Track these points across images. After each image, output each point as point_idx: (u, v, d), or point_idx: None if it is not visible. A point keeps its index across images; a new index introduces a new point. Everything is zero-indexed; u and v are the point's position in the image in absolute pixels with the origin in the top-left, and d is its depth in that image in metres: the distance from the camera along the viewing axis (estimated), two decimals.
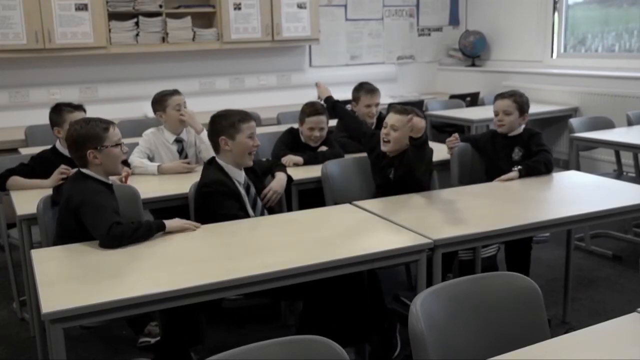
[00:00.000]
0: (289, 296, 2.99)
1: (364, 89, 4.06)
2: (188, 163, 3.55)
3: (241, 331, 3.29)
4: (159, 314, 2.77)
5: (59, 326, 1.83)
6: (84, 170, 2.51)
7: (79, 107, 3.45)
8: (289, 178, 3.16)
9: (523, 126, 3.45)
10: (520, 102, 3.40)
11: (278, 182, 3.08)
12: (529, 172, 3.20)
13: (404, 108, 3.05)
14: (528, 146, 3.35)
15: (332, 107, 3.72)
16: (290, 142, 3.72)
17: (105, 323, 2.66)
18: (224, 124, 2.80)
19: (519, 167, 3.20)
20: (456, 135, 3.50)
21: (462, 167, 3.53)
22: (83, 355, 3.09)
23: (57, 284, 2.00)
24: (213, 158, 2.86)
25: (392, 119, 3.03)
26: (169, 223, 2.44)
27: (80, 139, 2.47)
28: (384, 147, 3.08)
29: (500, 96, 3.47)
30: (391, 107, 3.13)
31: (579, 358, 1.50)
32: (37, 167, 3.22)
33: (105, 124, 2.53)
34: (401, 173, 3.01)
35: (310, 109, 3.66)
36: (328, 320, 2.57)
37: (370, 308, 2.75)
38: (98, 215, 2.32)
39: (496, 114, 3.45)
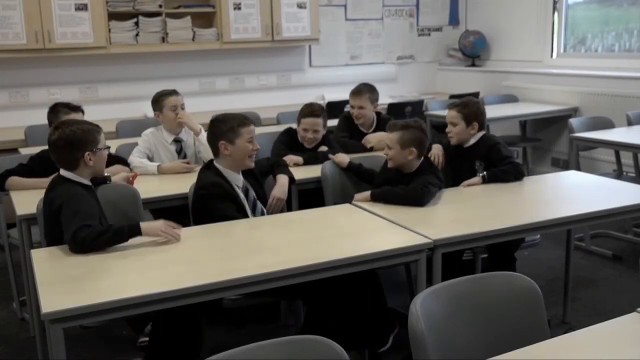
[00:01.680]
0: (290, 296, 2.99)
1: (351, 90, 4.06)
2: (187, 163, 3.54)
3: (241, 331, 3.30)
4: (153, 319, 2.75)
5: (58, 326, 1.83)
6: (64, 174, 2.48)
7: (77, 109, 3.43)
8: (291, 179, 3.15)
9: (479, 136, 3.28)
10: (466, 112, 3.24)
11: (280, 187, 3.05)
12: (494, 179, 3.11)
13: (395, 124, 3.00)
14: (489, 158, 3.21)
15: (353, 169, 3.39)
16: (289, 141, 3.72)
17: (105, 323, 2.66)
18: (223, 129, 2.78)
19: (484, 173, 3.12)
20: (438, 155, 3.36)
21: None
22: (83, 355, 3.09)
23: (56, 284, 2.00)
24: (211, 161, 2.85)
25: (386, 137, 3.02)
26: (147, 227, 2.31)
27: (77, 141, 2.45)
28: (389, 164, 3.03)
29: (449, 107, 3.37)
30: (388, 126, 3.06)
31: (579, 358, 1.50)
32: (37, 167, 3.22)
33: (97, 127, 2.53)
34: None
35: (307, 110, 3.66)
36: (331, 323, 2.56)
37: (372, 309, 2.74)
38: (70, 219, 2.29)
39: (447, 125, 3.35)
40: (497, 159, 3.18)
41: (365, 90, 4.00)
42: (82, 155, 2.45)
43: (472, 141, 3.28)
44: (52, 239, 2.44)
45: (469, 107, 3.28)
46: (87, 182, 2.52)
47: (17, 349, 3.22)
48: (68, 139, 2.45)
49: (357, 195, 2.93)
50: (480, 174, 3.12)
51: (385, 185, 2.95)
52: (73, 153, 2.46)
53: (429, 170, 2.98)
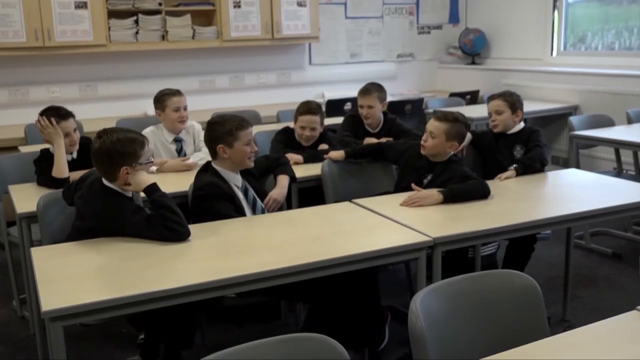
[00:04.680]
0: (290, 297, 2.98)
1: (360, 90, 4.05)
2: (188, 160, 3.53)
3: (241, 330, 3.29)
4: (143, 313, 2.75)
5: (58, 324, 1.83)
6: (106, 184, 2.44)
7: (66, 116, 3.30)
8: (292, 178, 3.13)
9: (522, 124, 3.48)
10: (511, 100, 3.44)
11: (279, 189, 3.02)
12: (525, 170, 3.22)
13: (444, 114, 3.03)
14: (528, 143, 3.38)
15: (353, 155, 3.45)
16: (286, 140, 3.71)
17: (105, 321, 2.66)
18: (221, 132, 2.75)
19: (515, 165, 3.21)
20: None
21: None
22: (83, 352, 3.09)
23: (56, 282, 2.00)
24: (209, 163, 2.84)
25: (430, 125, 3.02)
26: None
27: (115, 154, 2.38)
28: (422, 151, 3.05)
29: (491, 97, 3.54)
30: (434, 112, 3.12)
31: (579, 356, 1.51)
32: (46, 166, 3.19)
33: (141, 138, 2.46)
34: (438, 185, 2.90)
35: (303, 108, 3.65)
36: (332, 321, 2.56)
37: (368, 306, 2.74)
38: (145, 228, 2.33)
39: (490, 115, 3.51)
40: (532, 142, 3.35)
41: (374, 89, 3.99)
42: (119, 169, 2.39)
43: (515, 129, 3.44)
44: (84, 234, 2.41)
45: (513, 96, 3.48)
46: (128, 194, 2.48)
47: (17, 347, 3.22)
48: (107, 150, 2.38)
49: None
50: (512, 167, 3.21)
51: (414, 173, 3.04)
52: (111, 166, 2.40)
53: (458, 160, 3.08)
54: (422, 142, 3.04)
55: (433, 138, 2.98)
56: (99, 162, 2.43)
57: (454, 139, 2.98)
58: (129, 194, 2.50)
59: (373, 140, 3.88)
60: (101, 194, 2.43)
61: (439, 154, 3.02)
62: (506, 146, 3.45)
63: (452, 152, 3.05)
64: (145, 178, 2.42)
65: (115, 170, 2.39)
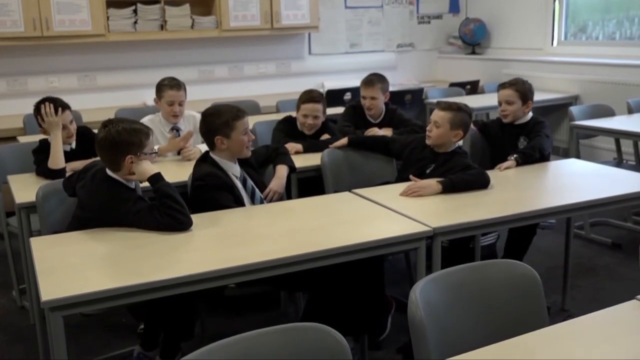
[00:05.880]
0: (290, 286, 2.98)
1: (362, 80, 4.04)
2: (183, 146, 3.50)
3: (241, 319, 3.30)
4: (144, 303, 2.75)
5: (58, 314, 1.83)
6: (110, 174, 2.44)
7: (63, 108, 3.26)
8: (292, 168, 3.13)
9: (530, 115, 3.45)
10: (523, 90, 3.39)
11: (278, 180, 3.02)
12: (525, 160, 3.21)
13: (447, 104, 3.04)
14: (533, 133, 3.37)
15: (356, 143, 3.47)
16: (288, 130, 3.71)
17: (105, 310, 2.66)
18: (217, 123, 2.75)
19: (515, 155, 3.20)
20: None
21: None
22: (83, 342, 3.10)
23: (56, 271, 2.00)
24: (207, 153, 2.84)
25: (434, 115, 3.03)
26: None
27: (121, 142, 2.38)
28: (427, 141, 3.06)
29: (502, 86, 3.48)
30: (437, 103, 3.12)
31: (578, 345, 1.51)
32: (44, 157, 3.19)
33: (146, 129, 2.47)
34: (439, 175, 2.90)
35: (306, 96, 3.65)
36: (332, 310, 2.56)
37: (371, 295, 2.75)
38: (147, 218, 2.33)
39: (499, 104, 3.47)
40: (535, 133, 3.32)
41: (377, 80, 3.98)
42: (124, 158, 2.40)
43: (524, 120, 3.42)
44: (83, 225, 2.41)
45: (524, 85, 3.42)
46: (131, 185, 2.48)
47: (17, 336, 3.23)
48: (113, 139, 2.39)
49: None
50: (512, 157, 3.19)
51: (417, 163, 3.04)
52: (116, 155, 2.40)
53: (463, 153, 3.07)
54: (427, 133, 3.05)
55: (438, 127, 2.99)
56: (104, 151, 2.43)
57: (459, 128, 2.99)
58: (132, 185, 2.50)
59: (375, 130, 3.87)
60: (104, 184, 2.43)
61: (444, 144, 3.03)
62: (511, 137, 3.44)
63: (457, 144, 3.04)
64: (149, 168, 2.43)
65: (120, 159, 2.40)
